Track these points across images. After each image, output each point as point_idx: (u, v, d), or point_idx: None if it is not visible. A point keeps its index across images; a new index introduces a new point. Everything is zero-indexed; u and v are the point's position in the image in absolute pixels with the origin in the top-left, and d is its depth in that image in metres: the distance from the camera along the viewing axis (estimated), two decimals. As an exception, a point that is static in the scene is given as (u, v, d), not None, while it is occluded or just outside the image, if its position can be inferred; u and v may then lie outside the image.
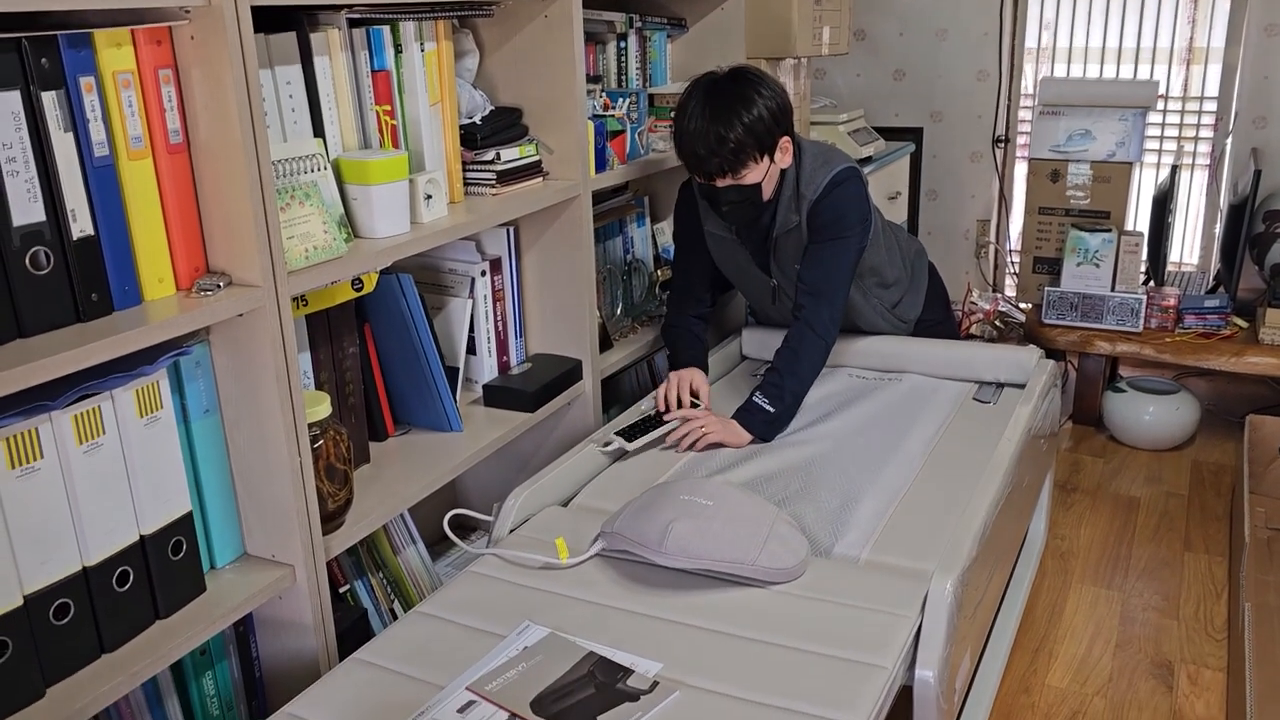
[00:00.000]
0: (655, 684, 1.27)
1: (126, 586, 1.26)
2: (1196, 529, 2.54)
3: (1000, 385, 2.22)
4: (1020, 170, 3.65)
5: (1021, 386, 2.19)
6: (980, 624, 1.65)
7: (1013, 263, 3.76)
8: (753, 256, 2.19)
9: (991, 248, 3.73)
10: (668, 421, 1.99)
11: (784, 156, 2.02)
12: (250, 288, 1.32)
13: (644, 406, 2.07)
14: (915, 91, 3.55)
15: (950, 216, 3.63)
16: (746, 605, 1.43)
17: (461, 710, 1.24)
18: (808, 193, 2.04)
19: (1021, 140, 3.66)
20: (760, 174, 1.98)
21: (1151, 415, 2.92)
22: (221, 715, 1.45)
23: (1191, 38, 3.50)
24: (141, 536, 1.28)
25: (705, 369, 2.18)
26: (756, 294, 2.29)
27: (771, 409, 1.97)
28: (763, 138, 1.94)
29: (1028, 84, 3.63)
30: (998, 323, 3.46)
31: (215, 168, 1.29)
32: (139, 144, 1.23)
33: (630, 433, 1.94)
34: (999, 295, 3.61)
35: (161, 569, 1.30)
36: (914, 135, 3.58)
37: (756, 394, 1.99)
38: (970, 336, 3.40)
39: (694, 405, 2.06)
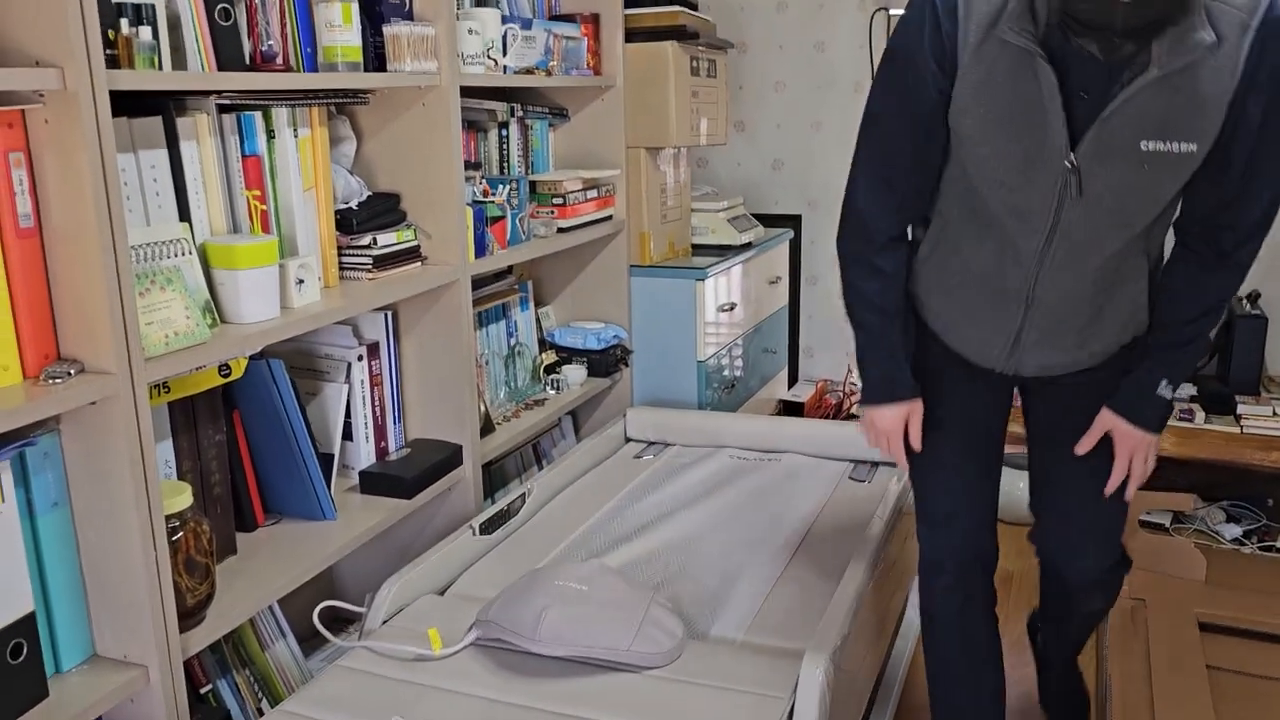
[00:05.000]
0: (525, 777, 1.24)
1: (-42, 695, 1.18)
2: (1068, 600, 2.61)
3: (876, 464, 2.27)
4: (895, 255, 3.79)
5: (894, 465, 2.25)
6: (857, 700, 1.66)
7: (891, 344, 3.88)
8: (1054, 117, 1.25)
9: (870, 330, 3.86)
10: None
11: None
12: (104, 375, 1.28)
13: (511, 497, 2.04)
14: (793, 180, 3.68)
15: (830, 301, 3.75)
16: (621, 691, 1.41)
17: (322, 814, 1.18)
18: (1243, 11, 1.18)
19: (895, 227, 3.81)
20: None
21: (1024, 490, 3.03)
22: (63, 832, 1.36)
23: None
24: (-23, 640, 1.20)
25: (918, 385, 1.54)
26: (1017, 185, 1.31)
27: (1170, 395, 1.45)
28: None
29: (899, 174, 3.80)
30: (878, 402, 3.55)
31: (68, 253, 1.26)
32: (-15, 228, 1.19)
33: (490, 524, 1.92)
34: (879, 375, 3.72)
35: (-2, 674, 1.22)
36: (793, 222, 3.69)
37: (1162, 382, 1.44)
38: (851, 417, 3.48)
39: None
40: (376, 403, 2.02)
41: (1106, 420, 1.49)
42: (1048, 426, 1.60)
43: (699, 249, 3.00)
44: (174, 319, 1.41)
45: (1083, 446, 1.51)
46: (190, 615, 1.45)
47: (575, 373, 2.62)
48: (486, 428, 2.26)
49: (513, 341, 2.55)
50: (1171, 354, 1.44)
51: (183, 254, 1.49)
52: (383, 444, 2.05)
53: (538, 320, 2.71)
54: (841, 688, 1.50)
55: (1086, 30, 1.18)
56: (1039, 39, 1.23)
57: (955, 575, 1.61)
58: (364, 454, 2.01)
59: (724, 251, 2.95)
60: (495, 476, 2.44)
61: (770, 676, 1.43)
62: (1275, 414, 2.72)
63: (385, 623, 1.62)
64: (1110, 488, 1.52)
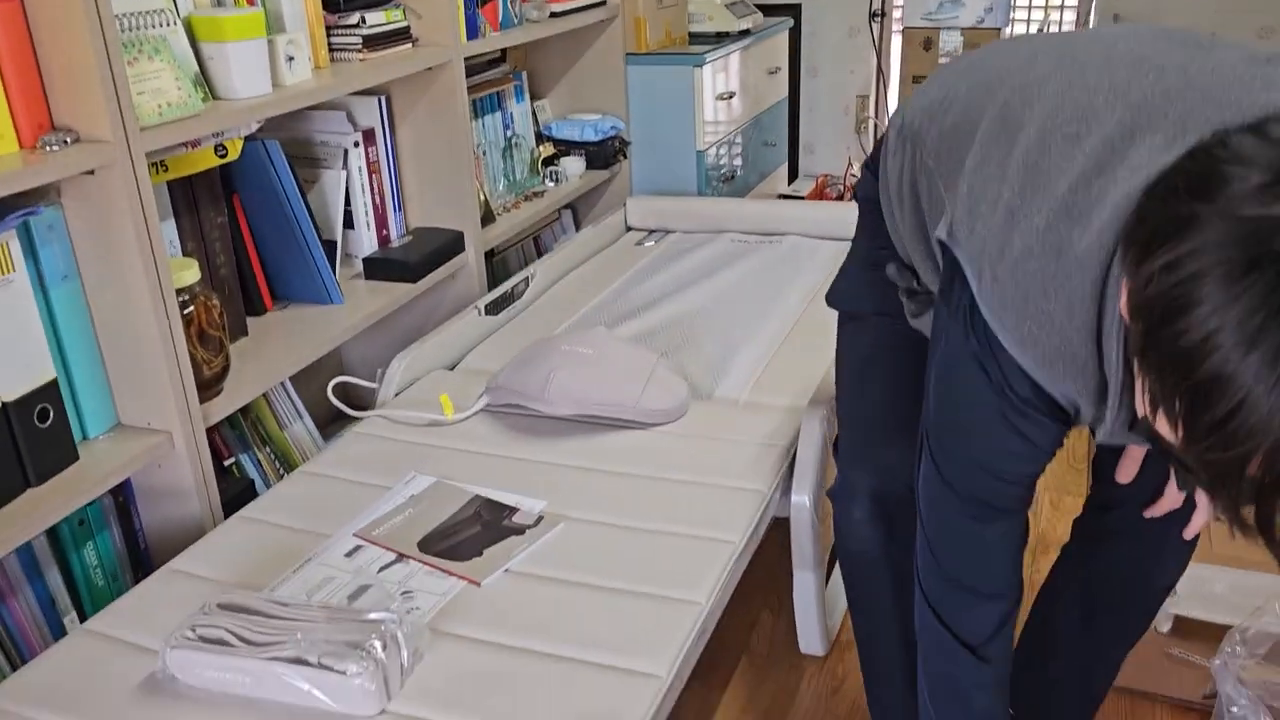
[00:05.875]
0: (540, 518, 1.30)
1: (-8, 454, 1.23)
2: (1062, 378, 2.67)
3: (876, 243, 2.28)
4: (897, 45, 3.69)
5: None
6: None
7: (893, 138, 3.82)
8: None
9: (871, 121, 3.79)
10: None
11: None
12: (99, 143, 1.27)
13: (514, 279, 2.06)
14: (794, -34, 3.55)
15: (830, 92, 3.67)
16: (629, 446, 1.47)
17: (349, 555, 1.25)
18: None
19: (897, 15, 3.69)
20: None
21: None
22: (106, 585, 1.44)
23: (1059, -93, 3.55)
24: (4, 404, 1.24)
25: None
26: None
27: None
28: None
29: (903, -43, 3.64)
30: (879, 196, 3.52)
31: (52, 16, 1.22)
32: (-38, -14, 1.16)
33: (495, 306, 1.95)
34: (880, 170, 3.67)
35: (29, 437, 1.27)
36: (793, 11, 3.57)
37: None
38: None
39: None
40: (375, 191, 2.01)
41: None
42: None
43: (696, 37, 2.92)
44: (165, 89, 1.38)
45: (1124, 473, 1.13)
46: (208, 387, 1.49)
47: (574, 165, 2.59)
48: (487, 218, 2.26)
49: (509, 133, 2.51)
50: None
51: (167, 24, 1.45)
52: (384, 232, 2.05)
53: (534, 114, 2.66)
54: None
55: None
56: None
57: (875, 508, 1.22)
58: (366, 242, 2.02)
59: (721, 39, 2.86)
60: (498, 269, 2.46)
61: (773, 429, 1.49)
62: None
63: (398, 394, 1.67)
64: (1156, 510, 1.12)
